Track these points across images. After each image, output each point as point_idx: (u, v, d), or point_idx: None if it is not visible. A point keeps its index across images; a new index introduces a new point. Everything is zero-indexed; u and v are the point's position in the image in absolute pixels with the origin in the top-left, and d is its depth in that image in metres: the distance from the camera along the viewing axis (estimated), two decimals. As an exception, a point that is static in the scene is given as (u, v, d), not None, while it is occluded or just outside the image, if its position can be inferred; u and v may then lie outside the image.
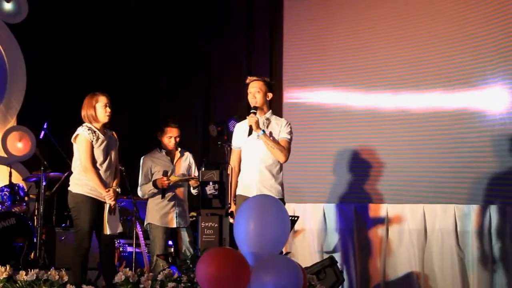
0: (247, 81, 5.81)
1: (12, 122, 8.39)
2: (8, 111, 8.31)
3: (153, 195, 6.26)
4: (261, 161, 5.61)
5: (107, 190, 5.49)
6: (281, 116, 8.10)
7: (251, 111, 5.64)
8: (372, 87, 8.05)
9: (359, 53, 8.09)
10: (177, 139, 6.35)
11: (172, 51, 8.63)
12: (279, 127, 5.74)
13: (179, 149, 6.41)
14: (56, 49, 8.35)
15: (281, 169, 5.73)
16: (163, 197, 6.18)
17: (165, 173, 6.15)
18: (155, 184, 6.17)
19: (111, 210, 5.52)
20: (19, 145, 8.28)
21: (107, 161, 5.56)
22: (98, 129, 5.57)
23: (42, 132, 7.42)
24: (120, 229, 5.71)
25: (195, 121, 8.34)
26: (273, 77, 8.42)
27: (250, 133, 5.57)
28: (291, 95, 8.23)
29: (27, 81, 8.36)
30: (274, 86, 8.31)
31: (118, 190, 5.60)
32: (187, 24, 8.61)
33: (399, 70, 7.99)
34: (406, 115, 7.89)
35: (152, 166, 6.31)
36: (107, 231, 5.50)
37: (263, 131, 5.59)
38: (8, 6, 8.42)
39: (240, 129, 5.82)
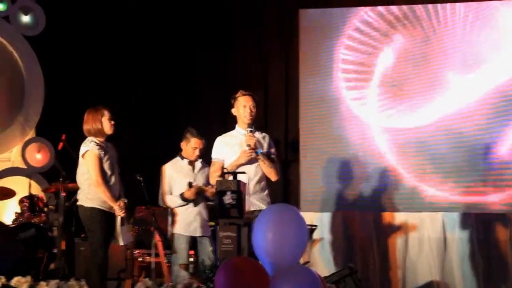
0: (240, 94, 5.77)
1: (31, 134, 8.45)
2: (26, 123, 8.36)
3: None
4: (252, 176, 5.63)
5: (118, 203, 5.58)
6: (298, 126, 8.18)
7: (249, 129, 5.64)
8: (388, 95, 8.04)
9: (377, 66, 8.10)
10: (201, 151, 6.35)
11: (191, 60, 8.63)
12: (265, 143, 5.80)
13: (200, 160, 6.40)
14: (74, 60, 8.38)
15: (267, 182, 5.79)
16: (195, 205, 6.20)
17: (189, 185, 6.14)
18: (183, 198, 6.17)
19: (123, 221, 5.62)
20: (38, 157, 8.33)
21: (114, 174, 5.67)
22: (102, 143, 5.66)
23: (61, 144, 7.46)
24: (131, 238, 5.89)
25: (212, 131, 8.33)
26: (288, 87, 8.45)
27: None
28: (308, 106, 8.22)
29: (45, 93, 8.42)
30: (291, 97, 8.39)
31: (126, 201, 5.69)
32: (206, 31, 8.62)
33: (416, 79, 8.00)
34: (424, 124, 7.88)
35: (174, 175, 6.31)
36: (121, 242, 5.64)
37: (260, 150, 5.64)
38: (26, 19, 8.49)
39: (224, 143, 5.80)
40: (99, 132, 5.66)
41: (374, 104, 8.06)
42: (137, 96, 8.52)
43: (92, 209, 5.56)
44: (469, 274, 7.52)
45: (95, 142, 5.61)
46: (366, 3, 8.29)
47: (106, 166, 5.60)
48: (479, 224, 7.55)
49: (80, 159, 5.67)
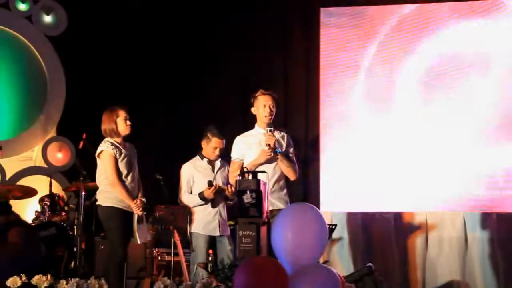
0: (260, 93, 5.77)
1: (52, 133, 8.52)
2: (48, 122, 8.43)
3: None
4: (270, 175, 5.62)
5: (134, 201, 5.62)
6: (318, 125, 8.16)
7: (269, 129, 5.65)
8: (410, 94, 8.00)
9: (396, 69, 8.06)
10: (222, 150, 6.36)
11: (211, 56, 8.63)
12: (283, 142, 5.81)
13: (220, 159, 6.41)
14: (95, 60, 8.40)
15: (286, 180, 5.79)
16: (213, 206, 6.21)
17: (210, 183, 6.15)
18: (202, 197, 6.17)
19: (140, 220, 5.67)
20: (59, 156, 8.40)
21: (131, 174, 5.71)
22: (119, 143, 5.71)
23: (81, 143, 7.52)
24: (149, 237, 5.96)
25: (232, 130, 8.33)
26: (309, 86, 8.42)
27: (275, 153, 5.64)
28: (328, 106, 8.19)
29: (66, 92, 8.47)
30: (312, 96, 8.36)
31: (144, 200, 5.73)
32: (223, 26, 8.61)
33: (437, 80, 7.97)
34: (444, 125, 7.83)
35: (194, 175, 6.32)
36: (138, 240, 5.69)
37: (279, 150, 5.64)
38: (48, 19, 8.55)
39: (244, 143, 5.82)
40: (113, 133, 5.72)
41: (398, 104, 8.01)
42: (157, 93, 8.53)
43: (110, 208, 5.62)
44: (490, 274, 7.46)
45: (110, 142, 5.68)
46: (390, 1, 8.25)
47: (121, 165, 5.65)
48: (500, 223, 7.49)
49: (97, 160, 5.74)
